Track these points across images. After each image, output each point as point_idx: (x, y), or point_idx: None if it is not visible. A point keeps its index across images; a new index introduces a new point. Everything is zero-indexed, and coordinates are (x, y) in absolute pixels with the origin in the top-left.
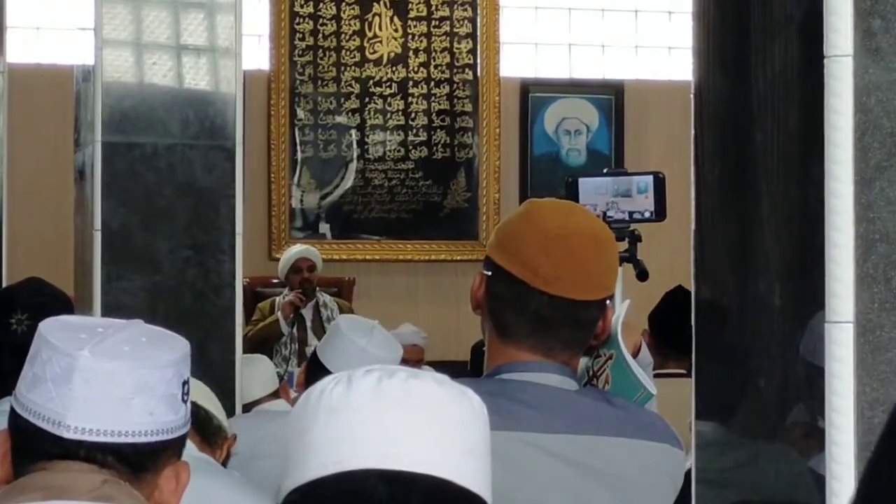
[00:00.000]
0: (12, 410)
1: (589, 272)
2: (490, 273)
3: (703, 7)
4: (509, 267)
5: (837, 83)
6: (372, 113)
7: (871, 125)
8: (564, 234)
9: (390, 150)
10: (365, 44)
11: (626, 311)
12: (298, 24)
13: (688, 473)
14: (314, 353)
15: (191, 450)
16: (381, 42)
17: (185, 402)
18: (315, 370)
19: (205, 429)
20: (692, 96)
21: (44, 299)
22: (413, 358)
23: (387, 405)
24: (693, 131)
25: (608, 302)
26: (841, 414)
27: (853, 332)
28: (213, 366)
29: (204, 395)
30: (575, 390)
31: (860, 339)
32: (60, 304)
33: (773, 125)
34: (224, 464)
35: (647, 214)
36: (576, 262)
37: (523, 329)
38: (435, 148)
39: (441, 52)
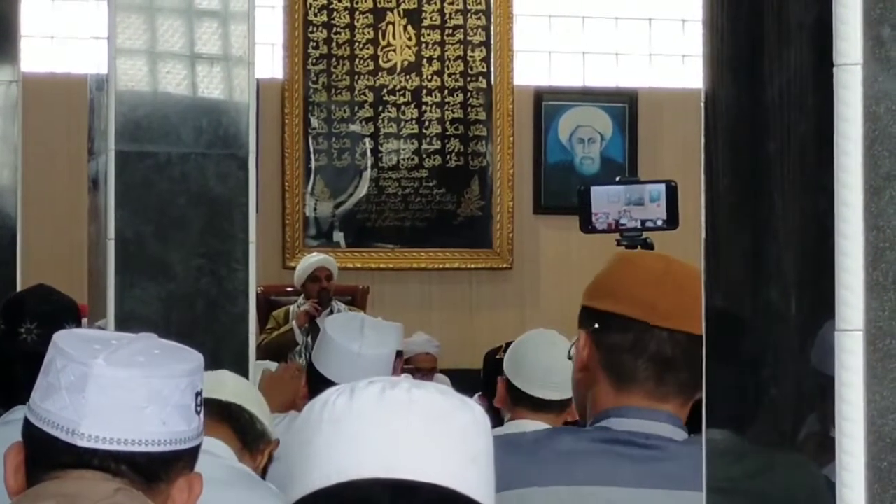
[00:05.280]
0: (26, 420)
1: (700, 306)
2: (597, 325)
3: (713, 15)
4: (622, 310)
5: (847, 92)
6: (386, 121)
7: (881, 134)
8: (671, 271)
9: (404, 159)
10: (379, 52)
11: None
12: (312, 32)
13: None
14: (310, 363)
15: (229, 459)
16: (394, 51)
17: (198, 413)
18: (314, 379)
19: (247, 433)
20: (702, 104)
21: (51, 307)
22: (426, 366)
23: (390, 415)
24: (703, 139)
25: None
26: (851, 422)
27: (863, 340)
28: None
29: (250, 398)
30: (683, 441)
31: (870, 348)
32: (68, 311)
33: (784, 134)
34: (265, 468)
35: (659, 223)
36: (688, 296)
37: (643, 372)
38: (449, 156)
39: (455, 60)
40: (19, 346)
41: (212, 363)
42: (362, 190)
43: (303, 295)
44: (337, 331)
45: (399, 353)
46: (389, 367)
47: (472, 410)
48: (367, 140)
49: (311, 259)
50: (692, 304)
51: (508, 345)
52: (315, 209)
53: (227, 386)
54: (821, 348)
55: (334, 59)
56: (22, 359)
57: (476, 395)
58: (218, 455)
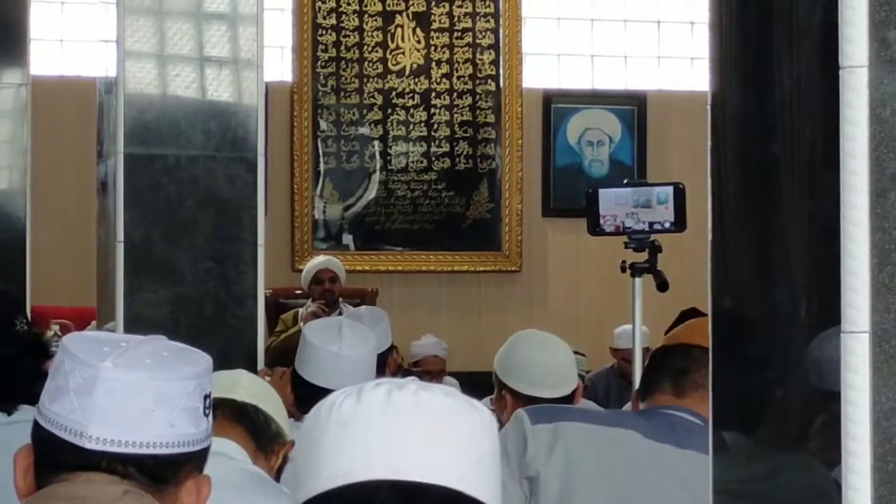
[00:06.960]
0: (35, 423)
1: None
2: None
3: (719, 17)
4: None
5: (852, 94)
6: (395, 124)
7: (887, 136)
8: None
9: (413, 161)
10: (388, 55)
11: None
12: (321, 35)
13: None
14: (294, 370)
15: (243, 462)
16: (403, 53)
17: (206, 415)
18: (299, 386)
19: (262, 435)
20: (708, 107)
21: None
22: (434, 369)
23: (396, 417)
24: (710, 142)
25: None
26: (857, 424)
27: (869, 342)
28: None
29: (266, 398)
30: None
31: (876, 349)
32: (14, 305)
33: (790, 136)
34: (280, 469)
35: (667, 225)
36: (699, 327)
37: (659, 381)
38: (457, 159)
39: (464, 63)
40: None
41: (220, 366)
42: (371, 192)
43: (311, 298)
44: (316, 334)
45: (391, 348)
46: (372, 365)
47: (478, 412)
48: (375, 143)
49: (315, 261)
50: (701, 328)
51: None
52: (324, 212)
53: (243, 386)
54: (811, 362)
55: (343, 62)
56: None
57: (487, 398)
58: (232, 457)
